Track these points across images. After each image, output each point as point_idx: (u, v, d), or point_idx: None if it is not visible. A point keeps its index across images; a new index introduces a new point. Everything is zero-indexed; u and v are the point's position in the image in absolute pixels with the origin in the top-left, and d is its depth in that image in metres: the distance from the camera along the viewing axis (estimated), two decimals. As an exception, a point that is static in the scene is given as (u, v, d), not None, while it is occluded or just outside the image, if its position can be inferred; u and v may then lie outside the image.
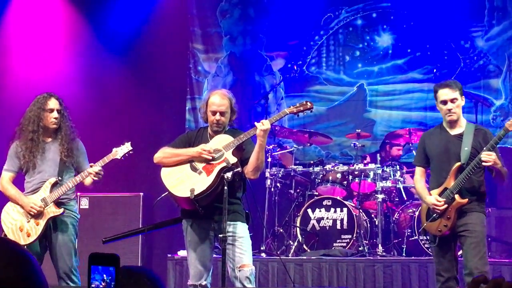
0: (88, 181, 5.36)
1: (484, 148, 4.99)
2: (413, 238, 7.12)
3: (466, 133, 5.18)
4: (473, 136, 5.16)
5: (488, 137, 5.19)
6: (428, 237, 5.30)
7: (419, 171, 5.41)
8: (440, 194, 5.12)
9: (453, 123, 5.21)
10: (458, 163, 5.10)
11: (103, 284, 1.52)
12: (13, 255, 1.43)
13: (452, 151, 5.17)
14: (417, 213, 7.08)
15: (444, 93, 5.16)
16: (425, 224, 5.21)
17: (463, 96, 5.24)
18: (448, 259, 5.12)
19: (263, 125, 5.02)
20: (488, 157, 4.93)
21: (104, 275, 1.52)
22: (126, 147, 5.47)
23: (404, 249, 7.22)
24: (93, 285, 1.52)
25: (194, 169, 5.13)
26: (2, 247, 1.45)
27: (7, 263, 1.41)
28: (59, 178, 5.34)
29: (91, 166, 5.30)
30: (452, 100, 5.14)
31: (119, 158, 5.45)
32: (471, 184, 5.09)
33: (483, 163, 4.96)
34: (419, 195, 5.44)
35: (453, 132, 5.23)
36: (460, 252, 5.48)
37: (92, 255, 1.54)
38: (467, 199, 5.05)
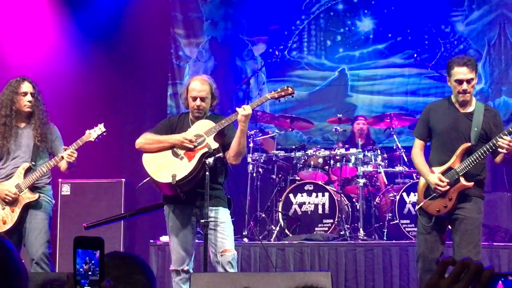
0: (63, 165, 5.32)
1: (502, 133, 4.82)
2: (394, 222, 7.16)
3: (476, 113, 5.04)
4: (483, 116, 5.02)
5: (498, 119, 5.10)
6: (420, 215, 5.12)
7: (418, 144, 5.23)
8: (443, 173, 4.99)
9: (465, 102, 5.06)
10: (468, 144, 4.96)
11: (85, 267, 1.53)
12: None
13: (461, 130, 5.03)
14: (398, 197, 7.14)
15: (461, 72, 4.97)
16: (423, 202, 5.07)
17: (477, 75, 5.09)
18: (435, 240, 5.03)
19: (244, 111, 5.03)
20: (509, 143, 4.77)
21: (87, 259, 1.53)
22: (99, 129, 5.45)
23: (385, 233, 7.26)
24: (76, 268, 1.53)
25: (175, 154, 5.14)
26: None
27: None
28: (33, 163, 5.32)
29: (64, 150, 5.26)
30: (469, 81, 4.96)
31: (93, 140, 5.41)
32: (475, 168, 4.97)
33: (499, 149, 4.83)
34: (419, 171, 5.24)
35: (463, 110, 5.07)
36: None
37: (76, 238, 1.55)
38: (472, 183, 4.94)
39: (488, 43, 8.78)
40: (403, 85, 8.96)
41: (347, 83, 9.12)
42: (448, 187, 4.94)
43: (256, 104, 5.36)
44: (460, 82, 4.98)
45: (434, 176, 5.00)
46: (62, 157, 5.25)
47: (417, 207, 5.16)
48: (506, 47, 8.72)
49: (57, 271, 6.32)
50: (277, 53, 9.00)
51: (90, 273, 1.53)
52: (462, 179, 4.94)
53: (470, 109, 5.07)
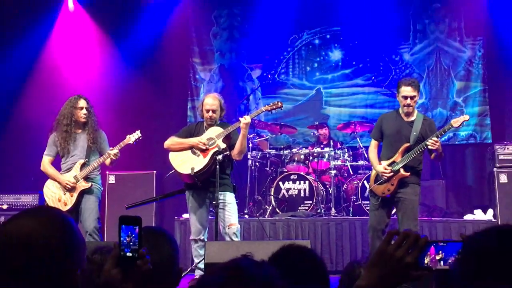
0: (108, 161, 5.35)
1: (433, 136, 4.89)
2: (357, 203, 7.17)
3: (416, 121, 5.08)
4: (421, 124, 5.07)
5: (433, 127, 5.14)
6: (371, 196, 5.18)
7: (373, 143, 5.28)
8: (389, 165, 5.04)
9: (408, 113, 5.11)
10: (407, 144, 5.03)
11: (127, 239, 1.53)
12: (56, 219, 1.44)
13: (403, 134, 5.08)
14: (360, 184, 7.13)
15: (406, 90, 5.02)
16: (373, 186, 5.11)
17: (419, 93, 5.13)
18: (381, 215, 5.07)
19: (245, 120, 5.04)
20: (435, 143, 4.84)
21: (129, 232, 1.53)
22: (137, 134, 5.47)
23: (350, 211, 7.26)
24: (121, 240, 1.53)
25: (194, 152, 5.15)
26: (48, 214, 1.45)
27: (52, 226, 1.41)
28: (87, 160, 5.33)
29: (111, 150, 5.29)
30: (412, 98, 5.01)
31: (131, 142, 5.43)
32: (413, 162, 5.02)
33: (429, 147, 4.87)
34: (371, 162, 5.27)
35: (407, 119, 5.12)
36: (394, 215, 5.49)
37: (121, 217, 1.55)
38: (409, 173, 4.99)
39: (428, 68, 8.77)
40: (364, 100, 8.94)
41: (322, 98, 9.09)
42: (391, 174, 5.00)
43: (254, 115, 5.37)
44: (405, 98, 5.04)
45: (381, 166, 5.08)
46: (109, 155, 5.26)
47: (367, 190, 5.22)
48: (441, 71, 8.72)
49: (105, 241, 6.31)
50: (269, 76, 9.01)
51: (131, 243, 1.53)
52: (401, 170, 4.99)
53: (412, 118, 5.12)
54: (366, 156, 7.47)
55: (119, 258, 1.52)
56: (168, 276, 1.74)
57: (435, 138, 4.87)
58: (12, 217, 1.42)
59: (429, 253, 1.34)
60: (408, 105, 5.04)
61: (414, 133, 5.04)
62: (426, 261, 1.34)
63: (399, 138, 5.09)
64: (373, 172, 5.23)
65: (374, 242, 5.04)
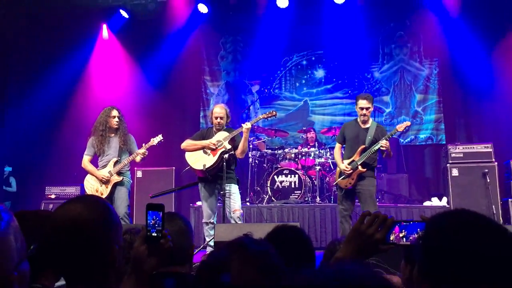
0: (138, 159, 5.35)
1: (383, 139, 5.00)
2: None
3: (371, 128, 5.16)
4: (375, 130, 5.15)
5: (384, 132, 5.23)
6: (337, 188, 5.27)
7: (338, 146, 5.37)
8: (349, 164, 5.11)
9: (364, 121, 5.19)
10: (363, 146, 5.11)
11: (152, 222, 1.54)
12: (99, 204, 1.44)
13: (360, 138, 5.15)
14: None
15: (363, 103, 5.12)
16: (338, 180, 5.19)
17: (373, 105, 5.22)
18: (348, 203, 5.13)
19: (246, 125, 5.04)
20: (386, 145, 4.95)
21: (154, 216, 1.54)
22: (159, 137, 5.48)
23: (332, 199, 7.24)
24: (147, 222, 1.54)
25: (205, 152, 5.14)
26: (92, 200, 1.46)
27: (96, 209, 1.42)
28: (119, 158, 5.33)
29: (140, 149, 5.30)
30: (367, 109, 5.11)
31: (155, 144, 5.44)
32: (369, 160, 5.09)
33: (381, 147, 4.96)
34: (336, 161, 5.35)
35: (363, 126, 5.20)
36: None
37: (148, 204, 1.56)
38: (365, 169, 5.07)
39: (394, 84, 8.77)
40: (342, 109, 8.95)
41: (308, 108, 9.10)
42: (351, 171, 5.07)
43: (253, 122, 5.37)
44: (362, 108, 5.15)
45: (343, 164, 5.15)
46: (138, 154, 5.27)
47: (334, 183, 5.25)
48: (404, 86, 8.73)
49: (134, 223, 6.31)
50: (266, 90, 9.01)
51: (156, 225, 1.54)
52: (359, 167, 5.05)
53: (367, 126, 5.22)
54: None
55: (146, 238, 1.53)
56: (181, 249, 1.74)
57: (385, 141, 4.97)
58: (62, 204, 1.43)
59: (394, 231, 1.35)
60: (364, 115, 5.15)
61: (369, 137, 5.12)
62: (391, 238, 1.34)
63: (357, 141, 5.17)
64: (338, 169, 5.30)
65: (343, 225, 5.12)
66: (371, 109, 5.18)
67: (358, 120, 5.24)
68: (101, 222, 1.39)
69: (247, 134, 5.08)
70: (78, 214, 1.37)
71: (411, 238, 1.33)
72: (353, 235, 1.35)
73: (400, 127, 5.08)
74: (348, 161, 5.15)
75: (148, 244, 1.52)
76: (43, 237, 1.37)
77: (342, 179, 5.15)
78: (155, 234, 1.52)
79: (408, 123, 5.19)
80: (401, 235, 1.34)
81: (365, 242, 1.32)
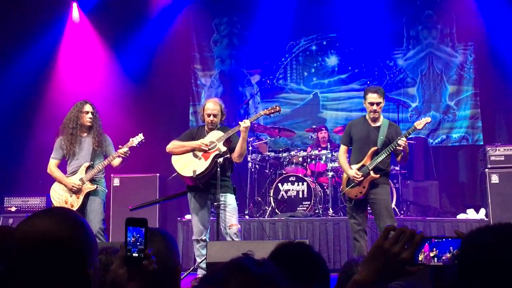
0: (117, 161, 5.35)
1: (400, 137, 4.98)
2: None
3: (382, 126, 5.16)
4: (387, 129, 5.14)
5: (398, 131, 5.23)
6: (345, 199, 5.21)
7: (343, 148, 5.35)
8: (359, 169, 5.10)
9: (375, 119, 5.19)
10: (375, 148, 5.10)
11: (133, 239, 1.53)
12: (71, 219, 1.44)
13: (371, 138, 5.13)
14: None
15: (373, 97, 5.11)
16: (345, 190, 5.17)
17: (385, 99, 5.22)
18: (360, 216, 5.12)
19: (245, 123, 5.04)
20: (404, 142, 4.93)
21: (135, 233, 1.53)
22: (140, 137, 5.47)
23: (347, 211, 7.26)
24: (127, 240, 1.54)
25: (195, 156, 5.14)
26: (63, 213, 1.45)
27: (68, 225, 1.41)
28: (92, 162, 5.33)
29: (119, 149, 5.30)
30: (378, 104, 5.10)
31: (135, 145, 5.43)
32: (382, 164, 5.08)
33: (398, 147, 4.95)
34: (342, 167, 5.33)
35: (374, 124, 5.19)
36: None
37: (127, 219, 1.56)
38: (379, 175, 5.06)
39: (421, 73, 8.79)
40: (359, 104, 8.89)
41: (319, 102, 9.11)
42: (362, 178, 5.04)
43: (253, 119, 5.37)
44: (372, 104, 5.13)
45: (352, 170, 5.12)
46: (118, 154, 5.26)
47: (341, 194, 5.20)
48: (433, 75, 8.74)
49: (110, 241, 6.30)
50: (268, 81, 9.02)
51: (138, 243, 1.53)
52: (371, 172, 5.04)
53: (378, 124, 5.21)
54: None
55: (126, 259, 1.53)
56: (165, 272, 1.73)
57: (404, 139, 4.95)
58: (28, 217, 1.42)
59: (423, 249, 1.34)
60: (375, 111, 5.13)
61: (381, 137, 5.11)
62: (420, 258, 1.34)
63: (367, 142, 5.15)
64: (345, 176, 5.28)
65: (358, 242, 5.08)
66: (383, 104, 5.17)
67: (367, 117, 5.23)
68: (73, 241, 1.39)
69: (246, 134, 5.08)
70: (45, 231, 1.36)
71: (443, 257, 1.33)
72: (374, 254, 1.34)
73: (419, 124, 5.06)
74: (357, 166, 5.13)
75: (128, 266, 1.52)
76: (6, 258, 1.36)
77: (351, 187, 5.14)
78: (137, 255, 1.52)
79: (428, 119, 5.17)
80: (431, 254, 1.34)
81: (389, 262, 1.32)
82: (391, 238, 1.34)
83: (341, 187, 5.34)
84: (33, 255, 1.34)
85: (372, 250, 1.36)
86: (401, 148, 4.95)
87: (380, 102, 5.12)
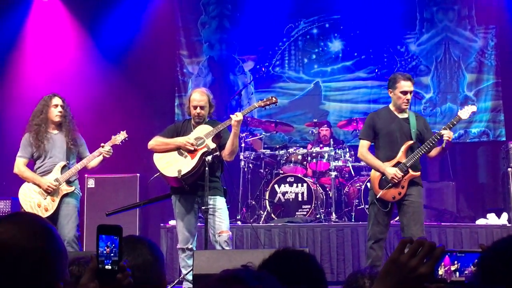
0: (95, 161, 5.38)
1: (444, 127, 5.00)
2: (360, 207, 7.18)
3: (410, 118, 5.16)
4: (416, 121, 5.14)
5: (426, 124, 5.26)
6: (378, 203, 5.08)
7: (366, 144, 5.24)
8: (393, 166, 5.04)
9: (402, 110, 5.17)
10: (411, 142, 5.07)
11: (107, 250, 1.52)
12: (38, 227, 1.43)
13: (404, 131, 5.11)
14: (363, 186, 7.13)
15: (407, 85, 5.09)
16: (382, 192, 5.05)
17: None
18: (385, 223, 5.09)
19: (237, 117, 5.04)
20: (448, 133, 4.93)
21: (108, 242, 1.52)
22: (123, 135, 5.52)
23: (353, 216, 7.27)
24: (99, 251, 1.52)
25: (180, 153, 5.14)
26: (29, 220, 1.44)
27: (34, 234, 1.40)
28: (67, 162, 5.33)
29: (102, 146, 5.31)
30: (411, 92, 5.12)
31: (117, 143, 5.47)
32: (417, 161, 5.08)
33: (445, 139, 4.93)
34: (374, 165, 5.17)
35: (401, 116, 5.17)
36: (396, 218, 5.49)
37: (99, 226, 1.55)
38: (419, 172, 5.06)
39: (436, 60, 8.81)
40: (366, 94, 8.97)
41: (321, 93, 9.12)
42: (402, 177, 5.01)
43: (246, 111, 5.36)
44: (405, 93, 5.11)
45: (392, 168, 5.02)
46: (101, 154, 5.28)
47: (377, 197, 5.10)
48: (450, 63, 8.76)
49: (84, 250, 6.29)
50: (263, 69, 9.02)
51: (112, 254, 1.52)
52: (410, 170, 5.02)
53: (405, 115, 5.21)
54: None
55: (98, 271, 1.52)
56: (148, 286, 1.73)
57: (448, 130, 4.95)
58: None
59: (443, 263, 1.34)
60: (408, 101, 5.13)
61: (413, 130, 5.11)
62: (440, 272, 1.34)
63: (400, 136, 5.11)
64: (375, 175, 5.17)
65: (375, 252, 5.05)
66: (412, 94, 5.20)
67: (392, 108, 5.22)
68: (41, 251, 1.38)
69: (238, 129, 5.07)
70: (9, 239, 1.35)
71: (466, 272, 1.33)
72: (390, 269, 1.34)
73: (464, 113, 5.08)
74: (391, 162, 5.08)
75: (99, 279, 1.51)
76: None
77: (387, 189, 5.07)
78: (110, 267, 1.51)
79: (474, 108, 5.17)
80: (452, 268, 1.34)
81: (406, 277, 1.32)
82: (408, 251, 1.34)
83: (373, 189, 5.16)
84: None
85: (387, 265, 1.35)
86: (447, 139, 4.92)
87: (412, 91, 5.15)
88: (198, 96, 5.22)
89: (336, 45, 9.14)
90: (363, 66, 9.00)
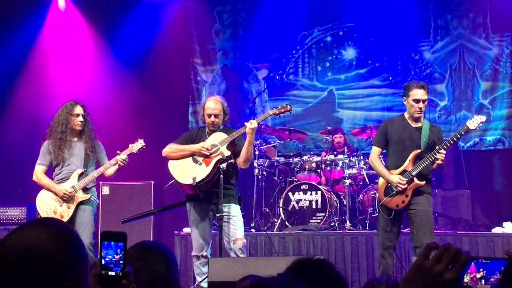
0: (112, 170, 5.40)
1: (439, 147, 5.01)
2: (374, 215, 7.13)
3: (424, 128, 5.15)
4: (429, 131, 5.14)
5: (441, 134, 5.24)
6: (382, 210, 5.15)
7: (377, 151, 5.28)
8: (399, 174, 5.07)
9: (417, 118, 5.18)
10: (419, 150, 5.08)
11: (113, 257, 1.53)
12: (66, 232, 1.44)
13: (413, 140, 5.12)
14: (377, 194, 7.10)
15: (420, 93, 5.09)
16: (385, 199, 5.10)
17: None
18: (394, 231, 5.10)
19: (251, 124, 5.05)
20: (442, 155, 4.96)
21: (112, 248, 1.52)
22: (140, 143, 5.54)
23: (367, 224, 7.24)
24: (107, 258, 1.52)
25: (195, 161, 5.15)
26: (57, 225, 1.46)
27: (63, 238, 1.42)
28: (85, 169, 5.36)
29: (118, 154, 5.33)
30: (424, 101, 5.10)
31: (135, 152, 5.49)
32: (425, 170, 5.08)
33: (438, 161, 4.98)
34: (381, 172, 5.23)
35: (414, 125, 5.18)
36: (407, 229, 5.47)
37: (103, 232, 1.55)
38: (424, 182, 5.05)
39: (450, 68, 8.77)
40: (380, 102, 8.95)
41: (334, 101, 9.11)
42: (406, 185, 5.01)
43: (260, 119, 5.37)
44: (417, 101, 5.11)
45: (395, 176, 5.07)
46: (116, 161, 5.29)
47: (380, 204, 5.17)
48: (465, 70, 8.72)
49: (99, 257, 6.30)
50: (277, 77, 9.02)
51: (115, 260, 1.52)
52: (415, 179, 5.03)
53: (419, 125, 5.21)
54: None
55: (101, 278, 1.52)
56: None
57: (443, 151, 4.98)
58: (17, 228, 1.43)
59: (469, 271, 1.33)
60: (420, 109, 5.13)
61: (424, 139, 5.11)
62: (466, 280, 1.33)
63: (409, 145, 5.13)
64: (381, 183, 5.22)
65: (385, 260, 5.07)
66: (426, 103, 5.19)
67: (407, 116, 5.23)
68: (71, 255, 1.39)
69: (253, 136, 5.08)
70: (42, 243, 1.37)
71: (491, 280, 1.32)
72: (414, 274, 1.33)
73: (472, 123, 5.09)
74: (398, 170, 5.11)
75: (103, 286, 1.52)
76: None
77: (391, 196, 5.10)
78: (114, 273, 1.51)
79: (484, 118, 5.17)
80: (478, 275, 1.33)
81: (431, 284, 1.31)
82: (433, 257, 1.33)
83: (379, 196, 5.24)
84: (22, 270, 1.35)
85: (411, 270, 1.34)
86: (440, 161, 4.99)
87: (426, 99, 5.13)
88: (212, 104, 5.24)
89: (350, 53, 9.14)
90: (377, 74, 8.98)
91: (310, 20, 9.18)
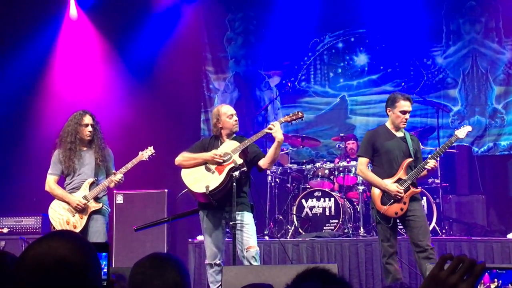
0: (112, 185, 5.42)
1: (431, 156, 5.25)
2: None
3: (407, 137, 5.34)
4: (411, 140, 5.33)
5: (419, 145, 5.51)
6: (379, 218, 5.23)
7: (365, 161, 5.39)
8: (395, 183, 5.20)
9: (399, 129, 5.33)
10: (410, 159, 5.24)
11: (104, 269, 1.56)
12: (84, 243, 1.48)
13: (402, 149, 5.27)
14: (374, 204, 7.08)
15: (407, 105, 5.28)
16: (385, 208, 5.18)
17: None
18: (394, 237, 5.22)
19: (274, 126, 5.11)
20: (435, 165, 5.20)
21: (101, 261, 1.56)
22: (150, 150, 5.55)
23: (381, 230, 7.22)
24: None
25: (208, 169, 5.16)
26: (76, 237, 1.49)
27: (84, 249, 1.45)
28: (96, 178, 5.37)
29: (114, 174, 5.34)
30: (409, 112, 5.31)
31: (145, 159, 5.51)
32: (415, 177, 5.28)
33: (428, 167, 5.16)
34: (375, 182, 5.27)
35: (397, 134, 5.34)
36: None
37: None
38: (420, 189, 5.26)
39: (463, 73, 8.74)
40: (393, 108, 8.92)
41: (347, 107, 9.10)
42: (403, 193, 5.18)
43: (283, 121, 5.42)
44: (404, 112, 5.28)
45: (393, 185, 5.18)
46: (111, 181, 5.34)
47: (379, 213, 5.22)
48: (477, 75, 8.68)
49: (113, 266, 6.34)
50: (289, 84, 9.04)
51: (105, 270, 1.56)
52: (411, 187, 5.19)
53: (401, 134, 5.37)
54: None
55: None
56: None
57: (434, 161, 5.18)
58: (39, 239, 1.47)
59: (482, 281, 1.33)
60: (406, 121, 5.31)
61: (411, 148, 5.28)
62: None
63: (399, 154, 5.27)
64: (376, 192, 5.29)
65: (392, 266, 5.16)
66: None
67: (389, 126, 5.37)
68: (91, 265, 1.44)
69: (281, 137, 5.13)
70: (66, 254, 1.41)
71: None
72: (429, 285, 1.34)
73: (460, 132, 5.31)
74: (393, 179, 5.23)
75: None
76: (9, 283, 1.40)
77: (389, 205, 5.18)
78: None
79: (469, 127, 5.40)
80: (492, 286, 1.33)
81: None
82: (448, 267, 1.34)
83: (376, 206, 5.26)
84: (48, 280, 1.38)
85: (426, 281, 1.35)
86: (431, 168, 5.19)
87: (410, 111, 5.33)
88: (229, 107, 5.36)
89: (361, 59, 9.13)
90: (389, 80, 8.97)
91: (322, 26, 9.19)
